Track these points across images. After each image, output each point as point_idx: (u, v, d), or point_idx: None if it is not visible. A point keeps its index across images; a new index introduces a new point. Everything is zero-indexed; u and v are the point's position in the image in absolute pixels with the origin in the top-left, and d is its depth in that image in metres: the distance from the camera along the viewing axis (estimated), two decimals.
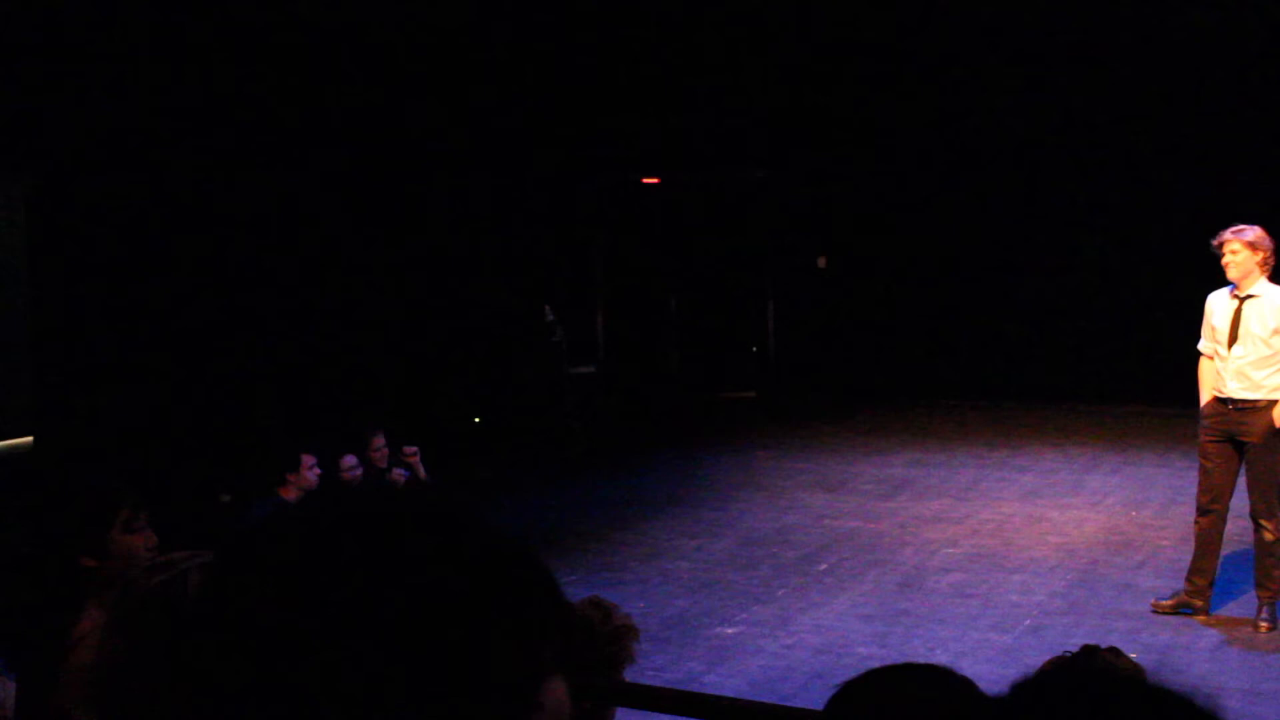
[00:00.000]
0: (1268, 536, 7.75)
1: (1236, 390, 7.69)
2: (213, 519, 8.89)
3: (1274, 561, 7.78)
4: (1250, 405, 7.67)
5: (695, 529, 10.68)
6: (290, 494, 8.09)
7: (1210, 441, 7.89)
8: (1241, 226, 7.69)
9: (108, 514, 3.77)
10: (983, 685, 1.85)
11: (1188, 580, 8.09)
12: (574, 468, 13.45)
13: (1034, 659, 4.59)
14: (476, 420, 13.79)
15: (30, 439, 10.52)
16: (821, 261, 18.23)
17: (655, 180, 17.75)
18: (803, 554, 9.80)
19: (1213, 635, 7.77)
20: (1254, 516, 7.81)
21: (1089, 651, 3.35)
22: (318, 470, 8.31)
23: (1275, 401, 7.61)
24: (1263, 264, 7.62)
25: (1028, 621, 8.02)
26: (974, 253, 16.85)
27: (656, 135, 16.86)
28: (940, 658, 7.21)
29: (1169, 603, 8.10)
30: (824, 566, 9.44)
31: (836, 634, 7.93)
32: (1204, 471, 7.98)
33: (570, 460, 13.74)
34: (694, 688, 6.65)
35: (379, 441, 9.28)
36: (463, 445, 12.62)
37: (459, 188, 14.07)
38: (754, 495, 11.88)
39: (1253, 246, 7.57)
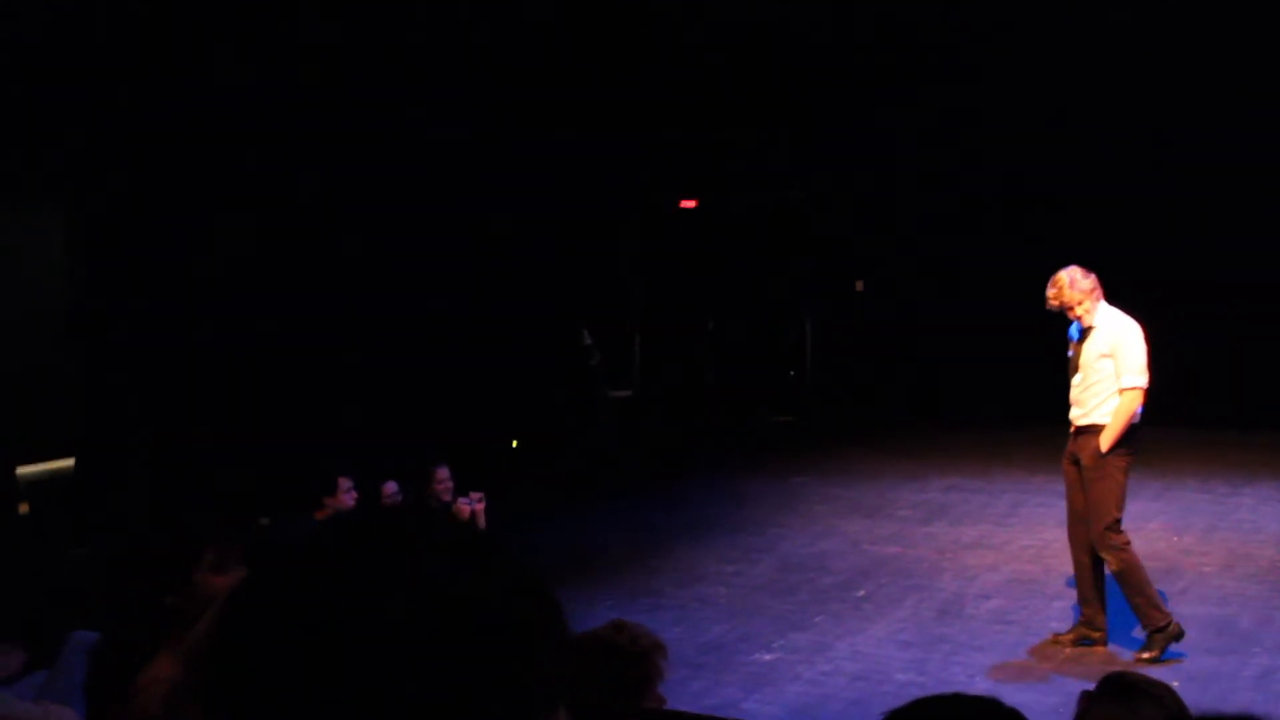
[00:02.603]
0: (1111, 567, 7.74)
1: (1073, 415, 7.87)
2: (252, 543, 8.92)
3: (1132, 590, 7.71)
4: (1082, 430, 7.81)
5: (732, 554, 10.64)
6: (325, 516, 8.11)
7: (1067, 465, 8.03)
8: (1059, 282, 7.72)
9: (195, 552, 3.64)
10: (1025, 713, 1.83)
11: (1080, 610, 8.08)
12: (610, 491, 13.43)
13: (1074, 687, 4.54)
14: (515, 444, 13.81)
15: (72, 461, 10.59)
16: (859, 285, 18.20)
17: (693, 203, 17.77)
18: (840, 580, 9.75)
19: (1260, 662, 7.67)
20: (1095, 547, 7.79)
21: (1121, 681, 3.31)
22: (354, 493, 8.33)
23: (1103, 426, 7.66)
24: (1093, 304, 7.72)
25: (1068, 650, 7.94)
26: (1014, 275, 16.76)
27: (695, 158, 16.89)
28: (980, 685, 7.16)
29: (1069, 635, 8.05)
30: (862, 592, 9.39)
31: (874, 661, 7.88)
32: (1068, 501, 8.10)
33: (607, 484, 13.72)
34: (731, 714, 6.63)
35: (443, 474, 9.22)
36: (501, 469, 12.63)
37: (497, 210, 14.11)
38: (791, 520, 11.84)
39: (1084, 294, 7.69)
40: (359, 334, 12.35)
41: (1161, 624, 7.67)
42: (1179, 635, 7.63)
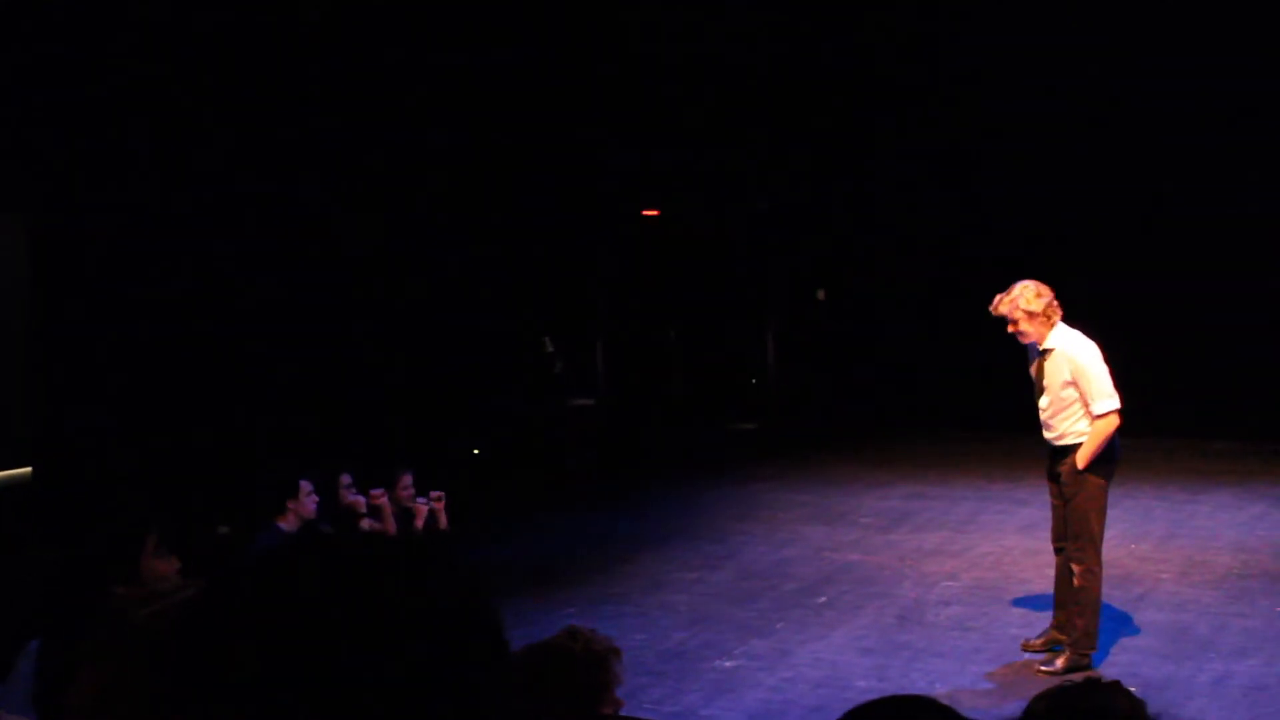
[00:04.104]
0: (1076, 582, 7.73)
1: (1047, 436, 7.84)
2: (211, 550, 8.89)
3: (1078, 610, 7.69)
4: (1058, 450, 7.79)
5: (694, 561, 10.65)
6: (289, 521, 8.11)
7: (1049, 481, 8.02)
8: (1012, 295, 7.63)
9: (140, 539, 3.64)
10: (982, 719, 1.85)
11: (1053, 615, 8.10)
12: (573, 499, 13.42)
13: (1033, 692, 4.57)
14: (475, 452, 13.79)
15: (29, 469, 10.51)
16: (820, 294, 18.26)
17: (655, 212, 17.78)
18: (802, 587, 9.77)
19: (1215, 668, 7.74)
20: (1068, 558, 7.83)
21: (1090, 685, 3.33)
22: (315, 497, 8.32)
23: (1078, 445, 7.64)
24: (1046, 321, 7.61)
25: (1027, 655, 7.99)
26: (975, 283, 16.86)
27: (656, 168, 16.91)
28: (940, 691, 7.19)
29: (1039, 641, 8.07)
30: (823, 599, 9.42)
31: (835, 667, 7.91)
32: (1052, 511, 8.09)
33: (570, 492, 13.71)
34: None
35: (406, 480, 9.44)
36: (462, 476, 12.60)
37: (459, 218, 14.09)
38: (753, 528, 11.86)
39: (1030, 314, 7.58)
40: (318, 340, 12.30)
41: (1084, 652, 7.64)
42: (1087, 670, 7.45)
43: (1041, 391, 7.78)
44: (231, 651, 1.10)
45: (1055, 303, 7.66)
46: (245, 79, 11.58)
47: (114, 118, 10.55)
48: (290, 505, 8.16)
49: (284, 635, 1.10)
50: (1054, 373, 7.68)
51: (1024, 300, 7.59)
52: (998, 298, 7.72)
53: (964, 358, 16.67)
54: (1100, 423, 7.56)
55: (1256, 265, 15.51)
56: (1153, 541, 10.93)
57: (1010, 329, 7.70)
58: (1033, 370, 7.88)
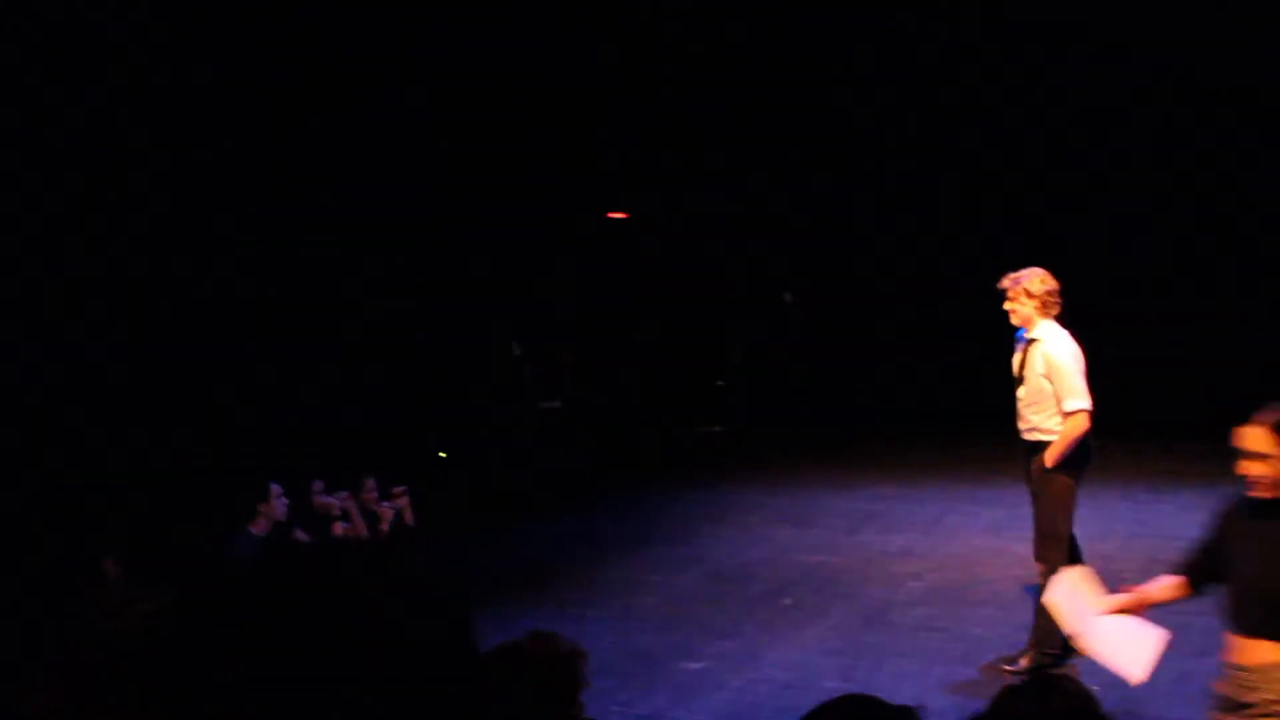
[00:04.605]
0: (1039, 579, 7.71)
1: (1022, 431, 7.85)
2: (179, 556, 8.84)
3: (1040, 608, 7.62)
4: (1031, 446, 7.80)
5: (661, 563, 10.66)
6: (260, 526, 8.09)
7: (1026, 480, 8.00)
8: (1020, 273, 7.79)
9: (103, 548, 3.65)
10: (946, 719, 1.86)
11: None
12: (540, 503, 13.40)
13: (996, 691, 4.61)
14: (442, 455, 13.75)
15: None
16: (788, 296, 18.29)
17: (623, 215, 17.78)
18: (768, 588, 9.79)
19: (1177, 666, 7.78)
20: (1035, 558, 7.84)
21: (1047, 681, 3.36)
22: (285, 500, 8.31)
23: (1048, 442, 7.67)
24: (1041, 308, 7.72)
25: (992, 655, 8.03)
26: (943, 288, 16.94)
27: (624, 170, 16.92)
28: (907, 691, 7.22)
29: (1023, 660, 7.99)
30: (790, 601, 9.44)
31: (802, 669, 7.92)
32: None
33: (537, 495, 13.67)
34: None
35: (371, 484, 9.54)
36: (429, 479, 12.58)
37: (426, 222, 14.06)
38: (720, 530, 11.87)
39: (1029, 294, 7.71)
40: (287, 344, 12.25)
41: (1048, 651, 7.63)
42: (1050, 668, 7.49)
43: (1021, 382, 7.85)
44: (210, 656, 1.11)
45: (1056, 297, 7.76)
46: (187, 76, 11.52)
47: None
48: (261, 509, 8.15)
49: (262, 640, 1.11)
50: (1033, 364, 7.77)
51: (1027, 280, 7.74)
52: (1008, 275, 7.85)
53: (931, 360, 16.77)
54: (1069, 422, 7.61)
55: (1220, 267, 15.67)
56: (1116, 541, 10.99)
57: (1005, 304, 7.81)
58: (1015, 360, 7.94)
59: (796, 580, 10.00)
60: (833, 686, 7.39)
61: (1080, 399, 7.63)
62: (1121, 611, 5.09)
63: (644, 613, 9.24)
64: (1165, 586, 5.12)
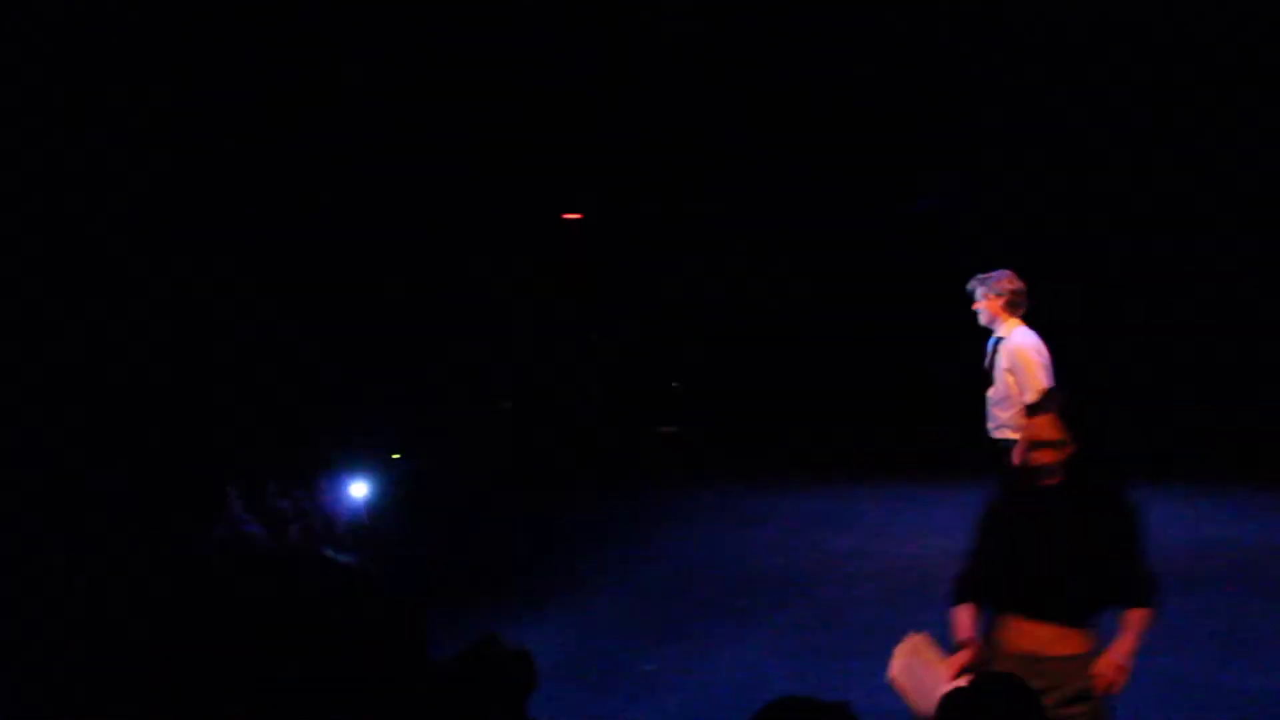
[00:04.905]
0: None
1: (991, 430, 8.04)
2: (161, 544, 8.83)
3: None
4: (995, 443, 7.97)
5: (616, 564, 10.64)
6: (220, 526, 8.14)
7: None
8: (986, 275, 8.03)
9: None
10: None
11: None
12: (494, 504, 13.34)
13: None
14: (395, 456, 13.68)
15: None
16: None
17: (577, 216, 17.76)
18: (723, 589, 9.78)
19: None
20: None
21: (995, 679, 3.38)
22: (241, 501, 8.34)
23: (1013, 440, 7.68)
24: (1006, 307, 7.93)
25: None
26: (900, 287, 17.01)
27: (580, 171, 16.90)
28: (858, 692, 7.21)
29: None
30: (743, 602, 9.42)
31: (756, 670, 7.91)
32: None
33: (490, 497, 13.62)
34: None
35: (327, 485, 9.73)
36: (389, 479, 12.53)
37: (379, 222, 14.00)
38: (673, 530, 11.86)
39: (995, 294, 7.95)
40: (248, 348, 12.19)
41: None
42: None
43: (991, 382, 8.02)
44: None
45: (1022, 297, 7.96)
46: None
47: None
48: (218, 510, 8.18)
49: (223, 643, 1.12)
50: (999, 362, 7.96)
51: (994, 280, 7.96)
52: (975, 277, 8.08)
53: (883, 361, 16.84)
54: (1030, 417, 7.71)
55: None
56: None
57: (974, 305, 8.01)
58: (987, 361, 8.10)
59: (751, 580, 9.99)
60: (786, 687, 7.36)
61: (1039, 389, 7.68)
62: (968, 670, 4.77)
63: (598, 614, 9.21)
64: (970, 620, 4.97)
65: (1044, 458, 4.62)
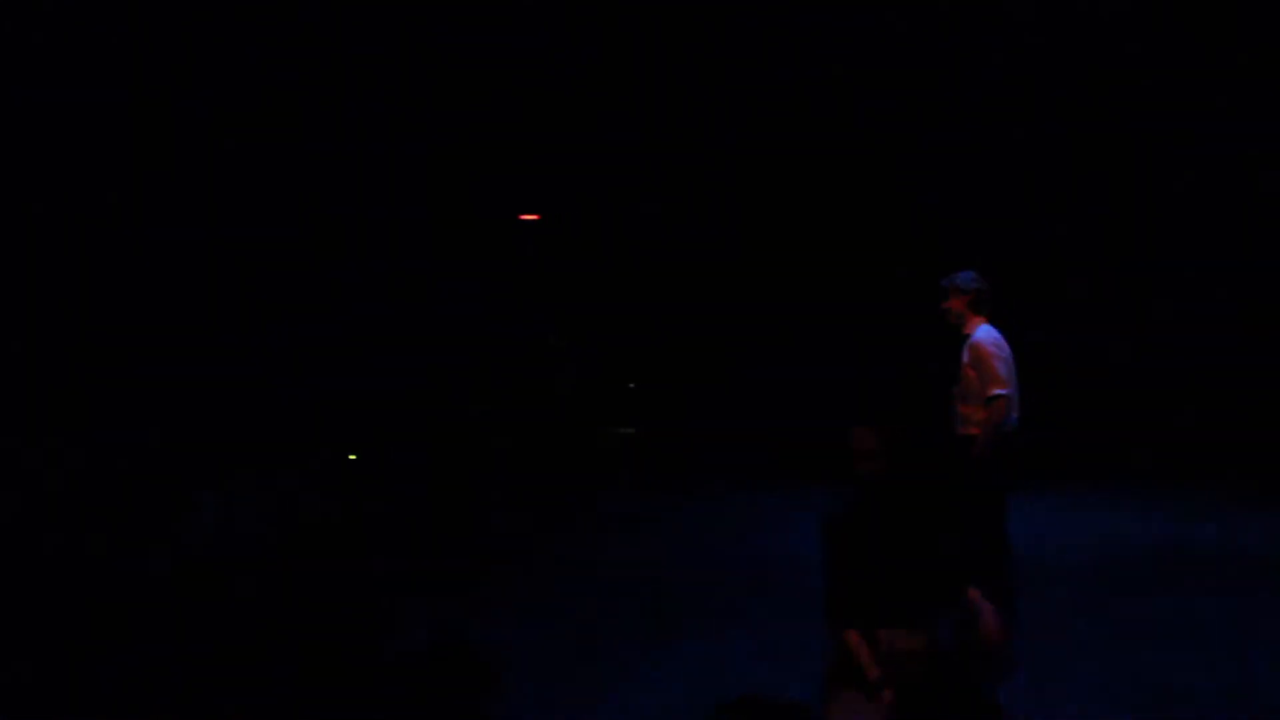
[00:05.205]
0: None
1: (957, 427, 8.13)
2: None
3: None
4: (960, 439, 8.07)
5: (572, 565, 10.66)
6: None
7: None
8: (953, 275, 8.22)
9: None
10: None
11: None
12: (449, 505, 13.29)
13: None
14: (352, 457, 13.62)
15: None
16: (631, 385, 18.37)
17: (535, 216, 17.72)
18: (681, 588, 9.80)
19: (1057, 666, 7.87)
20: None
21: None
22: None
23: (974, 436, 7.95)
24: (971, 306, 8.14)
25: None
26: (849, 288, 17.05)
27: (538, 171, 16.87)
28: (814, 690, 7.21)
29: None
30: (715, 600, 9.42)
31: (716, 669, 7.89)
32: None
33: (447, 498, 13.58)
34: None
35: (282, 485, 9.55)
36: (344, 480, 12.49)
37: (337, 222, 13.93)
38: (632, 530, 11.89)
39: (960, 291, 8.16)
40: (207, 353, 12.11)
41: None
42: None
43: (958, 380, 8.15)
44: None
45: (986, 297, 8.16)
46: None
47: None
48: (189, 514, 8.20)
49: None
50: (964, 359, 8.09)
51: (960, 278, 8.17)
52: (942, 278, 8.26)
53: (831, 359, 16.88)
54: (990, 409, 7.88)
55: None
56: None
57: (942, 304, 8.19)
58: (959, 360, 8.23)
59: (710, 580, 10.00)
60: (746, 687, 7.36)
61: (995, 387, 7.89)
62: (891, 697, 4.75)
63: (553, 614, 9.19)
64: (865, 644, 4.98)
65: (866, 467, 4.84)
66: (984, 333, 8.10)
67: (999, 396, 7.88)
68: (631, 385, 17.96)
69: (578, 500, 13.45)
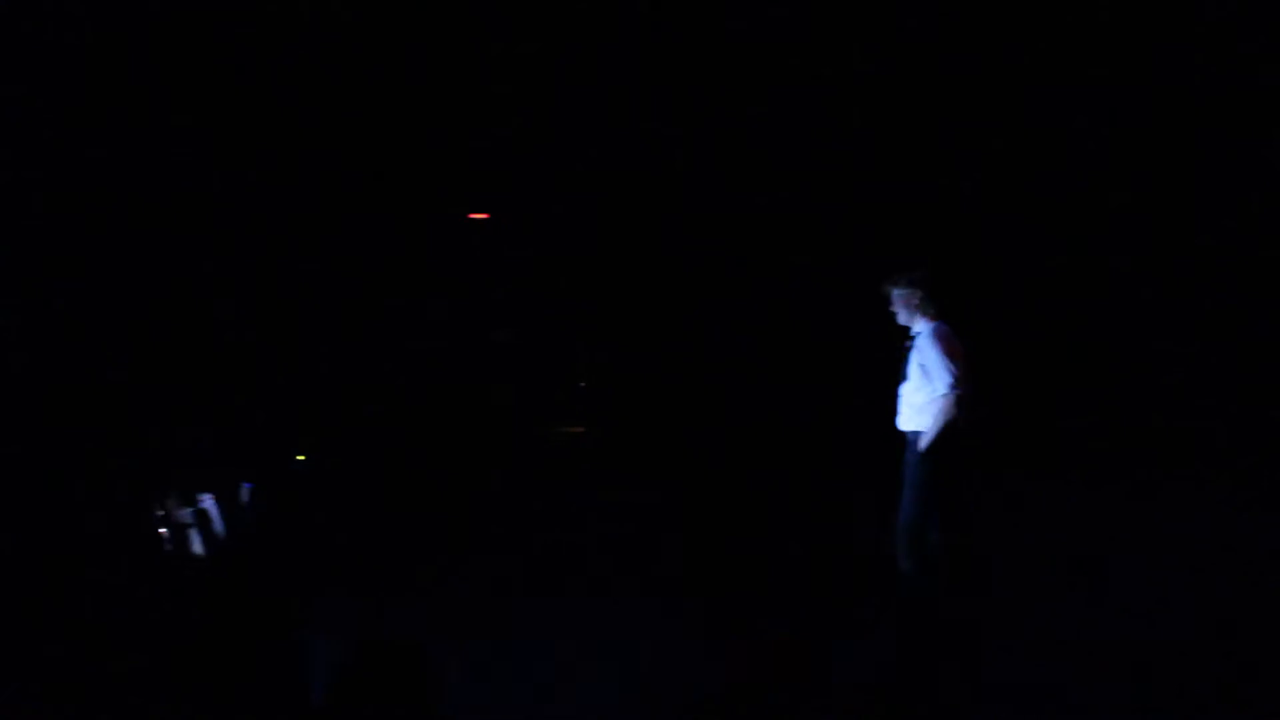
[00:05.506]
0: (900, 564, 8.00)
1: (899, 421, 8.17)
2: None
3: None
4: (905, 434, 8.10)
5: (513, 567, 10.57)
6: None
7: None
8: (900, 273, 8.20)
9: None
10: None
11: None
12: (394, 504, 13.19)
13: None
14: (300, 458, 13.50)
15: None
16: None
17: (484, 215, 17.68)
18: (632, 589, 9.70)
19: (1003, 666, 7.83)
20: (897, 539, 8.06)
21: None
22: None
23: (920, 431, 7.98)
24: (919, 304, 8.12)
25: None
26: (796, 287, 17.09)
27: (487, 170, 16.81)
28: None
29: None
30: (659, 596, 9.27)
31: (677, 655, 7.78)
32: None
33: (391, 497, 13.49)
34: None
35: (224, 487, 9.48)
36: (291, 478, 12.38)
37: (291, 216, 13.86)
38: (577, 532, 11.85)
39: (906, 292, 8.13)
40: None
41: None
42: None
43: (907, 378, 8.14)
44: None
45: (936, 293, 8.15)
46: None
47: None
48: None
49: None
50: (914, 356, 8.11)
51: (908, 278, 8.15)
52: (887, 283, 8.24)
53: (783, 360, 16.91)
54: (937, 404, 7.90)
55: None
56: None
57: (891, 304, 8.17)
58: (907, 356, 8.23)
59: (658, 581, 9.89)
60: (695, 684, 7.28)
61: (945, 379, 7.89)
62: None
63: (494, 613, 9.05)
64: None
65: None
66: (935, 329, 8.08)
67: (945, 391, 7.88)
68: (582, 385, 17.99)
69: (520, 498, 13.41)
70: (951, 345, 8.03)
